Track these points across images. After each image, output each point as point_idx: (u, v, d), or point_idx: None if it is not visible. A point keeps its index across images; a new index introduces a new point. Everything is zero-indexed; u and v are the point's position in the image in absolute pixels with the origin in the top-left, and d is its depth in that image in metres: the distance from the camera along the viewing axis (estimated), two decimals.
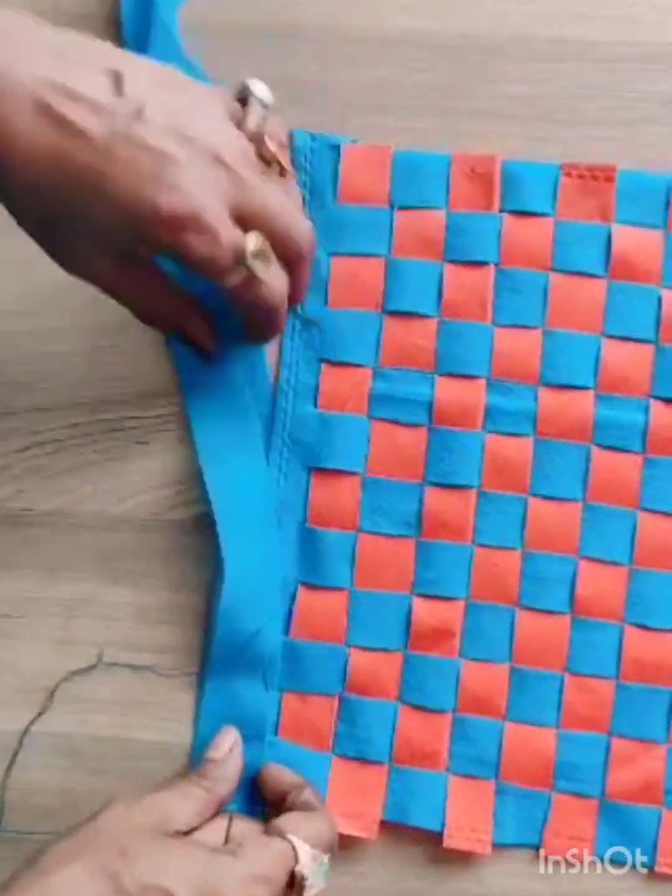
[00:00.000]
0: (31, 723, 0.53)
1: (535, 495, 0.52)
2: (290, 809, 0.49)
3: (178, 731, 0.53)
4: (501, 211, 0.53)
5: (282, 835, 0.46)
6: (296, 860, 0.46)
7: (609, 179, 0.53)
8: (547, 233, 0.53)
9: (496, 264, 0.53)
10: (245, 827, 0.48)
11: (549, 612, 0.52)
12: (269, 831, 0.47)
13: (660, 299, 0.52)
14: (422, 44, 0.56)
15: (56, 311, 0.55)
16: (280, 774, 0.51)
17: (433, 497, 0.52)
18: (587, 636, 0.52)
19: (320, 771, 0.52)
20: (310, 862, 0.46)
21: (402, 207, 0.54)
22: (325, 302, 0.54)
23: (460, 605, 0.52)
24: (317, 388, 0.53)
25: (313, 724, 0.52)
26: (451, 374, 0.53)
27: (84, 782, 0.53)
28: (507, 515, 0.52)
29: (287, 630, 0.53)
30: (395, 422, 0.53)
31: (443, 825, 0.51)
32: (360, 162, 0.54)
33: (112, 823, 0.44)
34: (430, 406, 0.53)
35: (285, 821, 0.48)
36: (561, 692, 0.52)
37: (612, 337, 0.52)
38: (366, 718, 0.52)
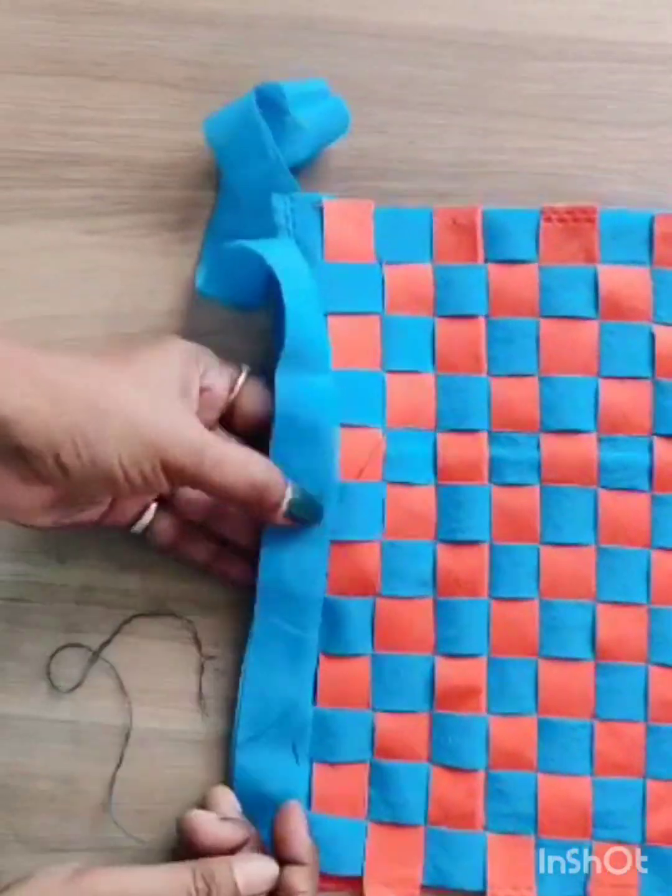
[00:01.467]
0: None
1: (546, 543, 0.52)
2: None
3: (185, 719, 0.53)
4: (486, 261, 0.53)
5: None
6: None
7: (590, 220, 0.52)
8: (533, 279, 0.53)
9: (486, 316, 0.53)
10: None
11: (572, 660, 0.52)
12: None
13: (652, 335, 0.52)
14: (443, 40, 0.56)
15: (69, 298, 0.55)
16: (296, 840, 0.49)
17: (446, 555, 0.52)
18: (612, 680, 0.51)
19: (357, 840, 0.51)
20: None
21: (390, 263, 0.53)
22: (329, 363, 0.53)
23: (482, 661, 0.52)
24: None
25: (346, 792, 0.52)
26: (452, 430, 0.53)
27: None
28: (520, 566, 0.52)
29: (314, 700, 0.52)
30: (406, 483, 0.52)
31: (484, 885, 0.51)
32: (341, 218, 0.53)
33: None
34: (434, 464, 0.52)
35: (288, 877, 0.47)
36: (592, 739, 0.51)
37: (608, 377, 0.52)
38: (398, 782, 0.51)
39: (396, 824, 0.51)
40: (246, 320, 0.54)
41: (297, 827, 0.49)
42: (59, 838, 0.53)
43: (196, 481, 0.47)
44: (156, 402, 0.46)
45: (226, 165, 0.53)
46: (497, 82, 0.56)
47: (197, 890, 0.45)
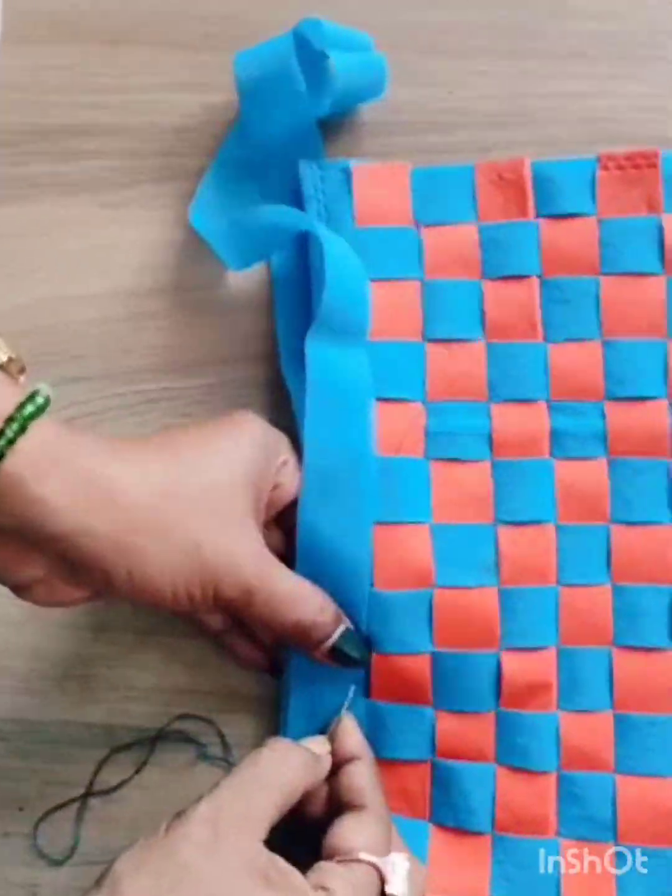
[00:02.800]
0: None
1: (617, 522, 0.48)
2: (336, 800, 0.45)
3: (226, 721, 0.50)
4: (538, 216, 0.49)
5: (355, 858, 0.42)
6: (383, 880, 0.42)
7: (652, 165, 0.48)
8: (591, 234, 0.48)
9: (540, 276, 0.49)
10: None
11: (650, 649, 0.47)
12: (343, 857, 0.42)
13: None
14: None
15: (89, 275, 0.52)
16: (345, 737, 0.46)
17: (508, 538, 0.48)
18: None
19: (420, 840, 0.47)
20: (398, 880, 0.42)
21: (428, 225, 0.49)
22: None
23: (552, 653, 0.47)
24: None
25: (405, 791, 0.48)
26: (507, 401, 0.48)
27: None
28: (590, 549, 0.48)
29: (367, 692, 0.48)
30: (455, 460, 0.48)
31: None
32: (374, 182, 0.50)
33: (193, 849, 0.39)
34: (489, 438, 0.48)
35: (344, 835, 0.43)
36: None
37: None
38: (461, 784, 0.47)
39: (461, 830, 0.47)
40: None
41: (348, 723, 0.47)
42: (98, 849, 0.50)
43: (242, 614, 0.45)
44: (223, 521, 0.43)
45: (249, 107, 0.50)
46: (541, 22, 0.52)
47: None
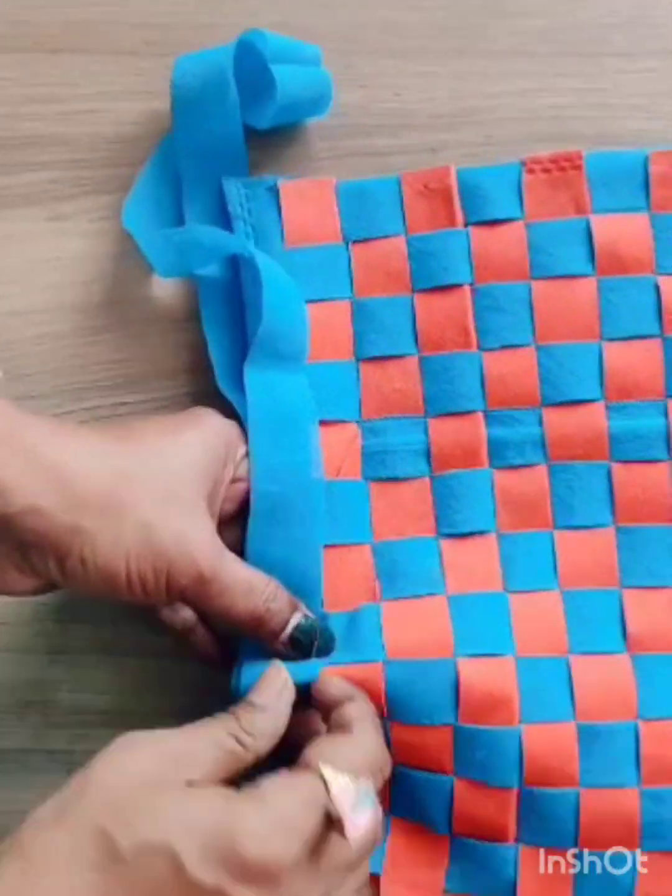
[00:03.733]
0: None
1: (560, 528, 0.47)
2: (328, 731, 0.43)
3: None
4: (466, 224, 0.48)
5: (308, 767, 0.39)
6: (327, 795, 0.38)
7: (577, 167, 0.48)
8: (520, 239, 0.48)
9: (471, 284, 0.48)
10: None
11: (606, 655, 0.46)
12: (296, 766, 0.40)
13: (657, 287, 0.47)
14: None
15: (35, 291, 0.52)
16: (327, 687, 0.45)
17: (451, 549, 0.48)
18: (652, 674, 0.46)
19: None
20: (343, 794, 0.38)
21: (357, 241, 0.49)
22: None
23: (510, 662, 0.46)
24: None
25: None
26: (443, 414, 0.48)
27: None
28: (535, 556, 0.47)
29: None
30: (393, 479, 0.48)
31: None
32: (301, 200, 0.49)
33: (107, 774, 0.37)
34: (427, 453, 0.48)
35: (315, 749, 0.40)
36: (637, 743, 0.45)
37: (612, 340, 0.47)
38: (415, 789, 0.46)
39: (419, 825, 0.47)
40: None
41: (334, 679, 0.45)
42: None
43: (195, 603, 0.44)
44: (177, 506, 0.42)
45: (180, 113, 0.49)
46: (486, 20, 0.51)
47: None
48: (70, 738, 0.50)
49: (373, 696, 0.46)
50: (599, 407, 0.47)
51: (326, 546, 0.47)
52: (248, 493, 0.47)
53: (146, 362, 0.51)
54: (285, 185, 0.49)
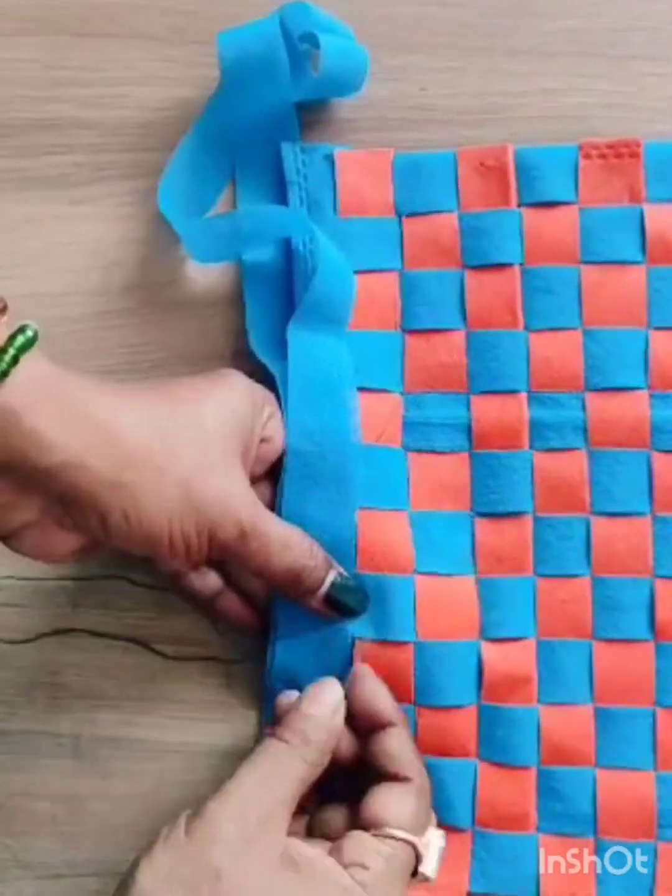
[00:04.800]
0: None
1: (597, 514, 0.47)
2: (372, 764, 0.44)
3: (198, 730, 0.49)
4: (520, 205, 0.48)
5: (391, 835, 0.41)
6: (417, 859, 0.42)
7: (634, 155, 0.48)
8: (572, 222, 0.48)
9: (521, 264, 0.48)
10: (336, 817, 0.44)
11: (629, 642, 0.47)
12: (376, 830, 0.41)
13: None
14: None
15: (55, 274, 0.51)
16: (374, 699, 0.45)
17: (485, 529, 0.47)
18: None
19: None
20: (434, 861, 0.42)
21: (410, 215, 0.49)
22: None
23: (531, 645, 0.47)
24: None
25: None
26: (487, 392, 0.48)
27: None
28: (568, 540, 0.47)
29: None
30: (432, 451, 0.48)
31: (538, 892, 0.46)
32: (357, 170, 0.49)
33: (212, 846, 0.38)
34: (468, 429, 0.48)
35: (383, 808, 0.42)
36: (653, 729, 0.46)
37: (659, 328, 0.47)
38: (441, 781, 0.47)
39: (441, 825, 0.46)
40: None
41: (374, 687, 0.46)
42: (64, 862, 0.49)
43: (236, 559, 0.44)
44: (215, 464, 0.42)
45: (230, 86, 0.49)
46: (515, 19, 0.51)
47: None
48: (76, 722, 0.50)
49: (402, 679, 0.47)
50: (643, 395, 0.47)
51: (363, 509, 0.47)
52: (275, 454, 0.47)
53: (167, 347, 0.51)
54: (342, 154, 0.49)
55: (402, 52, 0.51)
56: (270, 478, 0.47)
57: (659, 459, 0.47)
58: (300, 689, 0.45)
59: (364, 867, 0.40)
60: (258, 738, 0.47)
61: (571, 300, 0.48)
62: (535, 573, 0.47)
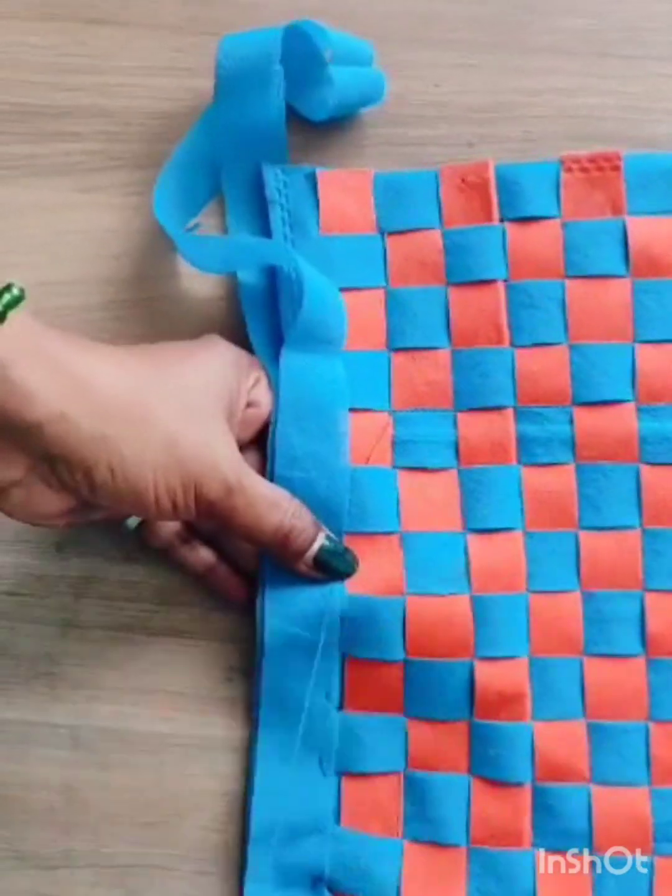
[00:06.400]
0: None
1: (586, 528, 0.47)
2: None
3: (196, 722, 0.49)
4: (502, 220, 0.48)
5: None
6: None
7: (615, 168, 0.48)
8: (556, 237, 0.48)
9: (505, 280, 0.48)
10: None
11: (621, 656, 0.47)
12: None
13: None
14: None
15: (64, 262, 0.51)
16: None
17: (477, 546, 0.47)
18: (667, 677, 0.46)
19: (392, 860, 0.47)
20: None
21: (392, 232, 0.49)
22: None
23: (524, 662, 0.47)
24: None
25: (378, 805, 0.47)
26: (473, 409, 0.48)
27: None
28: (559, 555, 0.47)
29: (340, 705, 0.47)
30: (422, 468, 0.48)
31: None
32: (338, 189, 0.49)
33: None
34: (455, 446, 0.48)
35: None
36: (647, 744, 0.46)
37: (645, 341, 0.47)
38: (435, 796, 0.47)
39: (435, 844, 0.47)
40: None
41: None
42: (60, 853, 0.49)
43: (223, 518, 0.44)
44: (199, 421, 0.43)
45: (223, 94, 0.49)
46: (528, 16, 0.51)
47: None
48: (75, 713, 0.50)
49: (392, 694, 0.47)
50: (630, 408, 0.47)
51: (353, 534, 0.47)
52: (262, 420, 0.47)
53: (173, 338, 0.49)
54: (323, 174, 0.49)
55: (414, 47, 0.51)
56: (259, 445, 0.48)
57: (647, 472, 0.47)
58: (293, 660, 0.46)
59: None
60: (255, 732, 0.48)
61: (556, 315, 0.47)
62: (527, 589, 0.47)
